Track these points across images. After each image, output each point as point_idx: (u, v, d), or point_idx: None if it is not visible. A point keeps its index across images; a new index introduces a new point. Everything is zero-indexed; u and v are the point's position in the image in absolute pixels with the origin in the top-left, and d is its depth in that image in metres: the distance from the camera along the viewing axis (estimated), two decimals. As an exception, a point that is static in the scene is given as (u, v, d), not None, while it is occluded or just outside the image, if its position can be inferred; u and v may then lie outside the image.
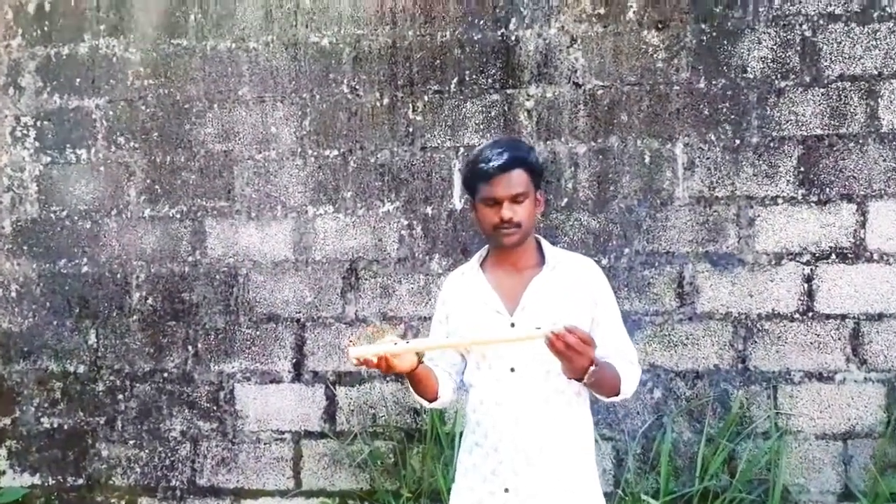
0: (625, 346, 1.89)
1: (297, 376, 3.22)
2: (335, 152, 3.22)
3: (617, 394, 1.82)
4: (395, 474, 3.13)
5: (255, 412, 3.23)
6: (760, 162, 3.03)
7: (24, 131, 3.36)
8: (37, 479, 3.34)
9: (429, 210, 3.17)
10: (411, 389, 1.90)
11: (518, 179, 1.82)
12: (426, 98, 3.17)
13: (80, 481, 3.32)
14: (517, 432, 1.83)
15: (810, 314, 3.00)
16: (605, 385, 1.80)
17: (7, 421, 3.35)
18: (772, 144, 3.03)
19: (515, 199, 1.82)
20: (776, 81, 3.03)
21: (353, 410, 3.19)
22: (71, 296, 3.33)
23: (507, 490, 1.83)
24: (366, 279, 3.19)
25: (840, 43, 3.00)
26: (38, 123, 3.36)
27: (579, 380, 1.71)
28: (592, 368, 1.68)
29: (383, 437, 3.16)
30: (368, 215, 3.20)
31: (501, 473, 1.84)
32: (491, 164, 1.80)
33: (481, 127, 3.15)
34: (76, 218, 3.34)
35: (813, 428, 3.00)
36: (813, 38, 3.01)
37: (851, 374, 2.98)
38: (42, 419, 3.34)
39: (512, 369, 1.85)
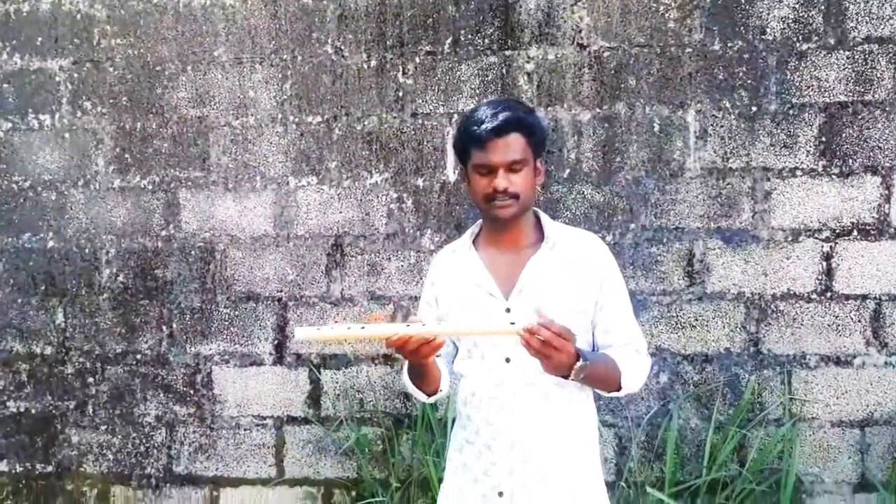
0: (632, 334, 1.70)
1: (279, 359, 3.02)
2: (318, 119, 2.98)
3: (619, 388, 1.63)
4: (384, 462, 2.95)
5: (235, 396, 3.04)
6: (778, 131, 2.81)
7: (-17, 94, 3.12)
8: (3, 466, 3.15)
9: (420, 182, 2.95)
10: (410, 383, 1.69)
11: (515, 145, 1.61)
12: (417, 60, 2.93)
13: (50, 468, 3.13)
14: (513, 429, 1.65)
15: (829, 294, 2.81)
16: (599, 381, 1.62)
17: (-30, 405, 3.15)
18: (791, 112, 2.81)
19: (512, 167, 1.61)
20: (797, 44, 2.80)
21: (338, 395, 3.00)
22: (36, 272, 3.11)
23: (500, 494, 1.65)
24: (352, 256, 2.98)
25: (867, 2, 2.77)
26: (-2, 86, 3.11)
27: (565, 377, 1.51)
28: (579, 364, 1.49)
29: (371, 423, 2.98)
30: (355, 187, 2.97)
31: (495, 474, 1.66)
32: (484, 126, 1.59)
33: (477, 92, 2.91)
34: (40, 189, 3.11)
35: (829, 415, 2.83)
36: (838, -5, 2.77)
37: (871, 358, 2.80)
38: (7, 403, 3.14)
39: (507, 360, 1.66)
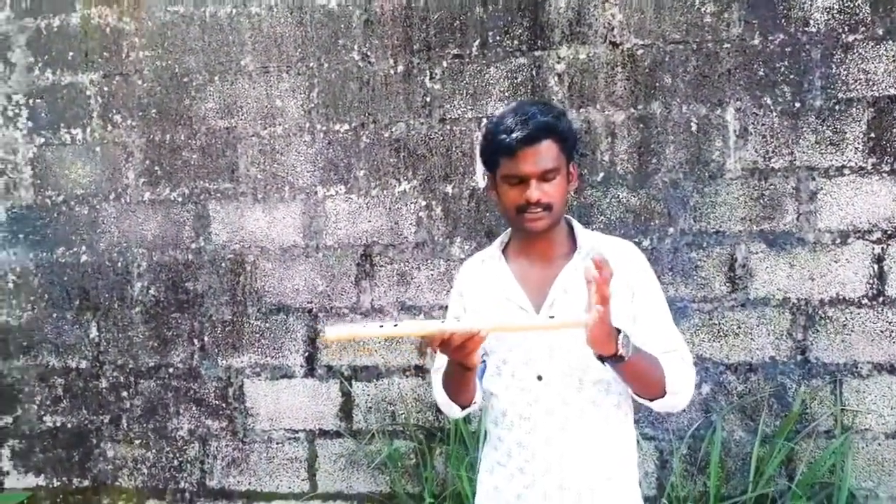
0: (674, 342, 1.57)
1: (311, 371, 2.98)
2: (346, 126, 2.94)
3: (663, 393, 1.52)
4: (417, 476, 2.89)
5: (267, 410, 3.01)
6: (824, 127, 2.68)
7: (16, 110, 3.14)
8: (41, 481, 3.17)
9: (449, 189, 2.88)
10: (444, 395, 1.61)
11: (547, 153, 1.51)
12: (445, 64, 2.87)
13: (86, 483, 3.14)
14: (548, 451, 1.56)
15: (881, 299, 2.67)
16: (643, 375, 1.47)
17: (9, 419, 3.17)
18: (837, 107, 2.67)
19: (544, 177, 1.52)
20: (843, 35, 2.66)
21: (370, 408, 2.95)
22: (70, 286, 3.13)
23: (534, 519, 1.57)
24: (381, 266, 2.93)
25: (918, -12, 2.62)
26: (31, 102, 3.13)
27: (612, 356, 1.38)
28: (622, 335, 1.37)
29: (403, 436, 2.92)
30: (383, 195, 2.92)
31: (528, 499, 1.58)
32: (514, 135, 1.50)
33: (506, 95, 2.84)
34: (73, 203, 3.13)
35: (883, 426, 2.68)
36: (886, -17, 2.63)
37: (928, 366, 2.65)
38: (44, 417, 3.16)
39: (539, 377, 1.57)
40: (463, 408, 1.63)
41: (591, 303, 1.32)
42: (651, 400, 1.53)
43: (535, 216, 1.52)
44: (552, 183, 1.52)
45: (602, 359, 1.41)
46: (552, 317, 1.39)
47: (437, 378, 1.66)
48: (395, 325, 1.36)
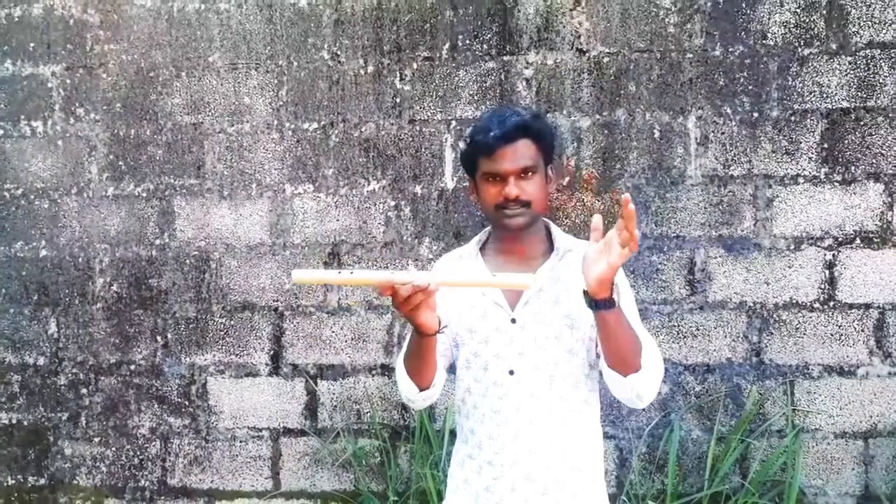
0: (644, 338, 1.59)
1: (275, 369, 2.98)
2: (315, 125, 2.94)
3: (638, 367, 1.48)
4: (381, 475, 2.91)
5: (230, 408, 2.99)
6: (780, 137, 2.78)
7: (-25, 101, 3.07)
8: (-5, 479, 3.10)
9: (418, 189, 2.91)
10: (404, 370, 1.57)
11: (524, 150, 1.57)
12: (415, 65, 2.90)
13: (42, 481, 3.08)
14: (517, 445, 1.60)
15: (831, 303, 2.77)
16: (624, 335, 1.45)
17: (-39, 416, 3.10)
18: (793, 118, 2.77)
19: (522, 174, 1.57)
20: (799, 49, 2.76)
21: (335, 406, 2.95)
22: (29, 282, 3.06)
23: (502, 509, 1.60)
24: (349, 264, 2.93)
25: (870, 6, 2.73)
26: (-10, 93, 3.07)
27: (605, 300, 1.40)
28: (615, 285, 1.42)
29: (368, 434, 2.93)
30: (352, 195, 2.93)
31: (496, 490, 1.62)
32: (491, 133, 1.56)
33: (475, 98, 2.87)
34: (33, 197, 3.06)
35: (832, 426, 2.79)
36: (840, 0, 2.74)
37: (874, 369, 2.76)
38: (0, 415, 3.10)
39: (511, 372, 1.61)
40: (421, 388, 1.58)
41: (621, 239, 1.35)
42: (625, 375, 1.48)
43: (514, 213, 1.57)
44: (530, 181, 1.57)
45: (596, 305, 1.41)
46: (513, 320, 1.43)
47: (402, 354, 1.65)
48: (352, 273, 1.41)
